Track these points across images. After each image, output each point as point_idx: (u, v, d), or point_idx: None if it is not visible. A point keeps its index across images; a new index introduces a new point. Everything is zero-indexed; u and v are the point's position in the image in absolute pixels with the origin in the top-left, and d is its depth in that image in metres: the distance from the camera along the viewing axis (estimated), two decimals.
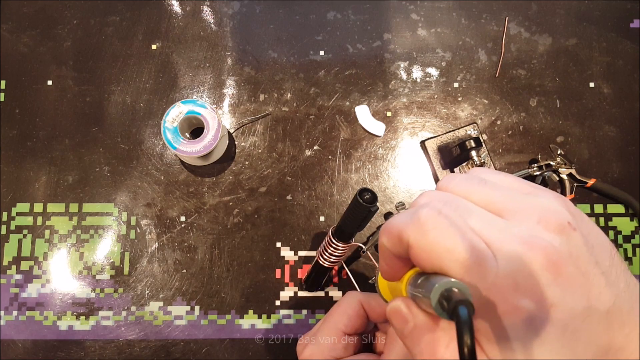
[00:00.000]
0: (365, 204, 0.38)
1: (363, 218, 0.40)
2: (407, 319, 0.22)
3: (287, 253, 0.55)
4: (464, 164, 0.56)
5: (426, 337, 0.21)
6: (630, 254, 0.56)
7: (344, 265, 0.53)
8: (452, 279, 0.19)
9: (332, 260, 0.46)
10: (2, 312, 0.54)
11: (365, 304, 0.28)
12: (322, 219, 0.56)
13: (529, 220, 0.20)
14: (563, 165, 0.56)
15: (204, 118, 0.52)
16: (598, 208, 0.57)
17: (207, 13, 0.60)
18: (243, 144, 0.57)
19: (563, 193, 0.56)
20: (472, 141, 0.53)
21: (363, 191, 0.38)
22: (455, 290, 0.19)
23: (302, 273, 0.55)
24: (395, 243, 0.22)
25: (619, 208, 0.57)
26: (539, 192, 0.22)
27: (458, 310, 0.17)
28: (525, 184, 0.23)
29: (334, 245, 0.45)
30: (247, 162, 0.57)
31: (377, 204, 0.39)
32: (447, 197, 0.22)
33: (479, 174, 0.24)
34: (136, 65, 0.59)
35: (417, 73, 0.59)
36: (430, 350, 0.21)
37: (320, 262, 0.48)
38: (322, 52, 0.59)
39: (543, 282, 0.19)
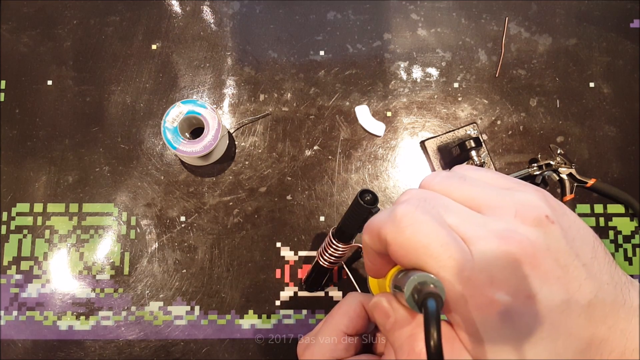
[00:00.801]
0: (366, 205, 0.38)
1: (364, 219, 0.40)
2: (389, 314, 0.22)
3: (287, 253, 0.55)
4: (464, 164, 0.56)
5: (406, 331, 0.22)
6: (630, 254, 0.56)
7: (344, 265, 0.53)
8: (427, 274, 0.19)
9: (332, 260, 0.47)
10: (2, 312, 0.54)
11: (366, 305, 0.28)
12: (322, 219, 0.56)
13: (506, 215, 0.21)
14: (563, 165, 0.56)
15: (204, 118, 0.52)
16: (598, 208, 0.57)
17: (207, 13, 0.60)
18: (243, 144, 0.57)
19: (563, 193, 0.56)
20: (472, 141, 0.53)
21: (364, 192, 0.38)
22: (429, 284, 0.19)
23: (302, 273, 0.55)
24: (375, 241, 0.22)
25: (619, 208, 0.57)
26: (518, 187, 0.23)
27: (427, 302, 0.18)
28: (506, 179, 0.24)
29: (334, 246, 0.45)
30: (247, 162, 0.57)
31: (378, 204, 0.39)
32: (427, 195, 0.23)
33: (460, 170, 0.25)
34: (136, 65, 0.59)
35: (417, 73, 0.59)
36: (409, 345, 0.21)
37: (321, 263, 0.48)
38: (322, 52, 0.59)
39: (519, 275, 0.19)
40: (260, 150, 0.57)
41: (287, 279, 0.55)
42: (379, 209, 0.39)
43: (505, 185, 0.23)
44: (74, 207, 0.56)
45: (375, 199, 0.38)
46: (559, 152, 0.56)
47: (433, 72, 0.59)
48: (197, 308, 0.54)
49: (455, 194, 0.23)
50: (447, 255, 0.20)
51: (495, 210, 0.21)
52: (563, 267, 0.20)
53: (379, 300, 0.23)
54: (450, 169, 0.60)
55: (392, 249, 0.21)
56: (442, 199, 0.22)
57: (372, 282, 0.29)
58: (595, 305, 0.20)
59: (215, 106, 0.58)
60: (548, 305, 0.19)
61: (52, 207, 0.56)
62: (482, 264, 0.19)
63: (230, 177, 0.57)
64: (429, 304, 0.18)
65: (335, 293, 0.55)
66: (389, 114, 0.58)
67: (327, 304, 0.54)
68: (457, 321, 0.20)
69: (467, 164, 0.55)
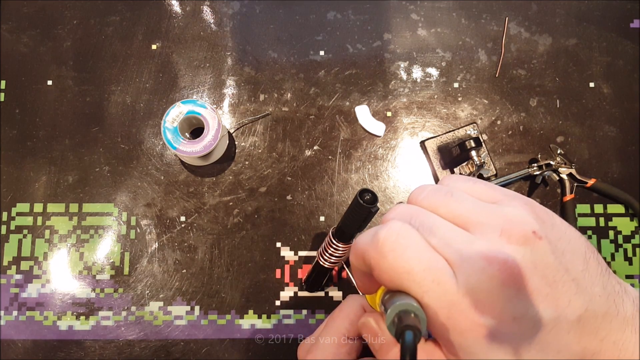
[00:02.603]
0: (365, 205, 0.38)
1: (363, 219, 0.40)
2: (377, 334, 0.23)
3: (287, 253, 0.55)
4: (464, 164, 0.56)
5: (393, 353, 0.22)
6: (630, 254, 0.56)
7: (344, 265, 0.53)
8: (408, 301, 0.19)
9: (332, 261, 0.46)
10: (2, 312, 0.54)
11: (366, 308, 0.28)
12: (322, 219, 0.56)
13: (492, 233, 0.20)
14: (563, 165, 0.56)
15: (204, 118, 0.52)
16: (598, 208, 0.57)
17: (207, 13, 0.60)
18: (243, 144, 0.57)
19: (563, 193, 0.56)
20: (472, 141, 0.53)
21: (363, 192, 0.38)
22: (410, 313, 0.19)
23: (302, 273, 0.55)
24: (361, 263, 0.23)
25: (619, 208, 0.57)
26: (506, 201, 0.22)
27: (404, 334, 0.18)
28: (495, 191, 0.23)
29: (334, 246, 0.45)
30: (247, 162, 0.57)
31: (378, 204, 0.39)
32: (413, 212, 0.23)
33: (448, 182, 0.24)
34: (136, 65, 0.59)
35: (417, 73, 0.59)
36: None
37: (321, 263, 0.48)
38: (322, 52, 0.59)
39: (504, 297, 0.19)
40: (260, 150, 0.57)
41: (287, 279, 0.55)
42: (378, 209, 0.39)
43: (493, 199, 0.23)
44: (74, 207, 0.56)
45: (374, 198, 0.38)
46: (559, 152, 0.56)
47: (433, 72, 0.59)
48: (197, 308, 0.54)
49: (441, 210, 0.22)
50: (429, 280, 0.19)
51: (482, 228, 0.21)
52: (551, 283, 0.20)
53: (367, 321, 0.23)
54: (450, 169, 0.60)
55: (376, 273, 0.21)
56: (428, 217, 0.22)
57: (367, 296, 0.29)
58: (587, 319, 0.20)
59: (215, 106, 0.58)
60: (536, 324, 0.19)
61: (52, 207, 0.56)
62: (466, 287, 0.19)
63: (230, 177, 0.57)
64: (406, 337, 0.18)
65: (335, 293, 0.55)
66: (389, 114, 0.58)
67: (327, 304, 0.54)
68: (442, 345, 0.21)
69: (467, 164, 0.55)
